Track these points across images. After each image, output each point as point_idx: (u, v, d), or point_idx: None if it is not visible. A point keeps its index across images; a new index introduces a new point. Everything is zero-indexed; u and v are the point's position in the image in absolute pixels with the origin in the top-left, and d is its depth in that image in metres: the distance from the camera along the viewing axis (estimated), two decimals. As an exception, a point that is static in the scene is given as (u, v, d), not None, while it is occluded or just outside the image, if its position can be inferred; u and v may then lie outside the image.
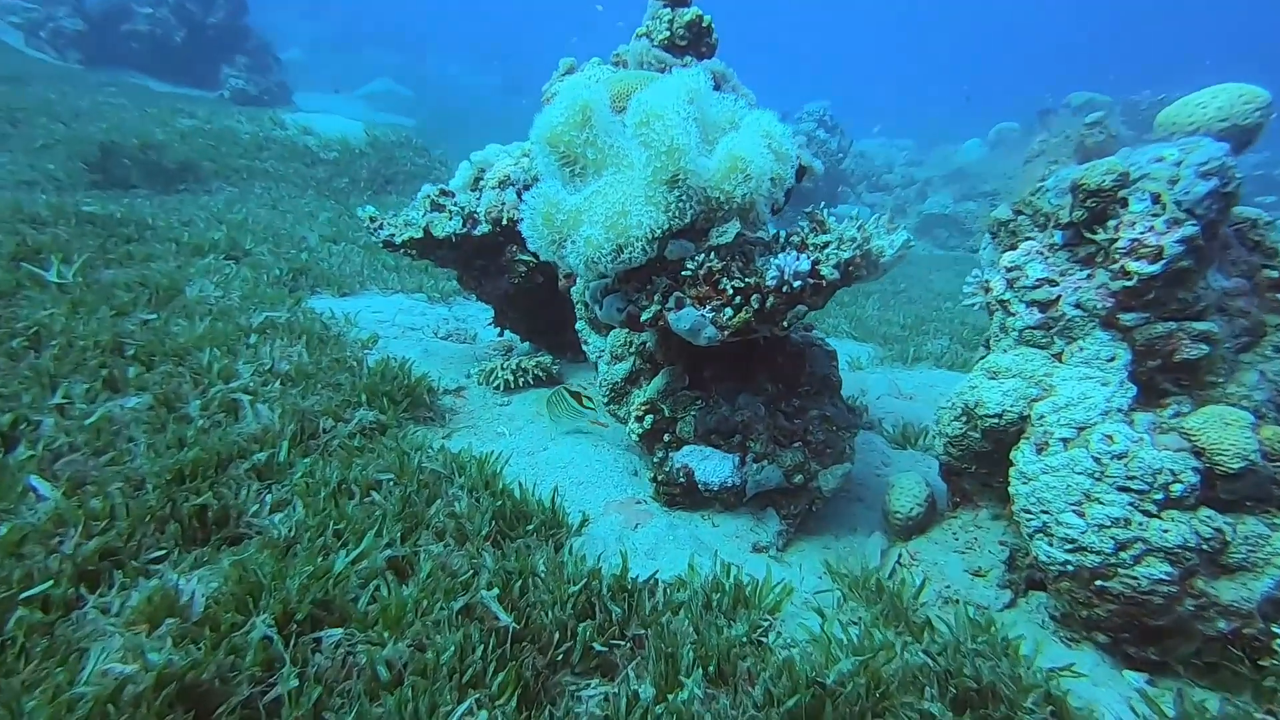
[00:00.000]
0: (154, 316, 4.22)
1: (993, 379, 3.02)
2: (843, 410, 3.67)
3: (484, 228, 4.41)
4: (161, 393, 3.34)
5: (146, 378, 3.49)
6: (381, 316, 6.02)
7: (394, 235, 4.35)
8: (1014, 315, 3.12)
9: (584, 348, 4.27)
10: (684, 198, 2.90)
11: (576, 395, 4.02)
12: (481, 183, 4.62)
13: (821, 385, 3.71)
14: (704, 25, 4.26)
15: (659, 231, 2.94)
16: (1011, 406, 2.88)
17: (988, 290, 3.38)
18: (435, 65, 38.43)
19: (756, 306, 3.01)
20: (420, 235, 4.28)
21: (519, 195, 4.52)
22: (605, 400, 3.94)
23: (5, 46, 14.95)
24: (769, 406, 3.60)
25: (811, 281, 3.02)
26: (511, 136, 4.92)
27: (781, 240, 3.29)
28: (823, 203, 3.45)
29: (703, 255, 3.06)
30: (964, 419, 3.13)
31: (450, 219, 4.32)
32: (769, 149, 3.03)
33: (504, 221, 4.43)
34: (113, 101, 11.69)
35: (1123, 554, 2.43)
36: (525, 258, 4.56)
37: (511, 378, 4.55)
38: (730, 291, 3.02)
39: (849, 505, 3.93)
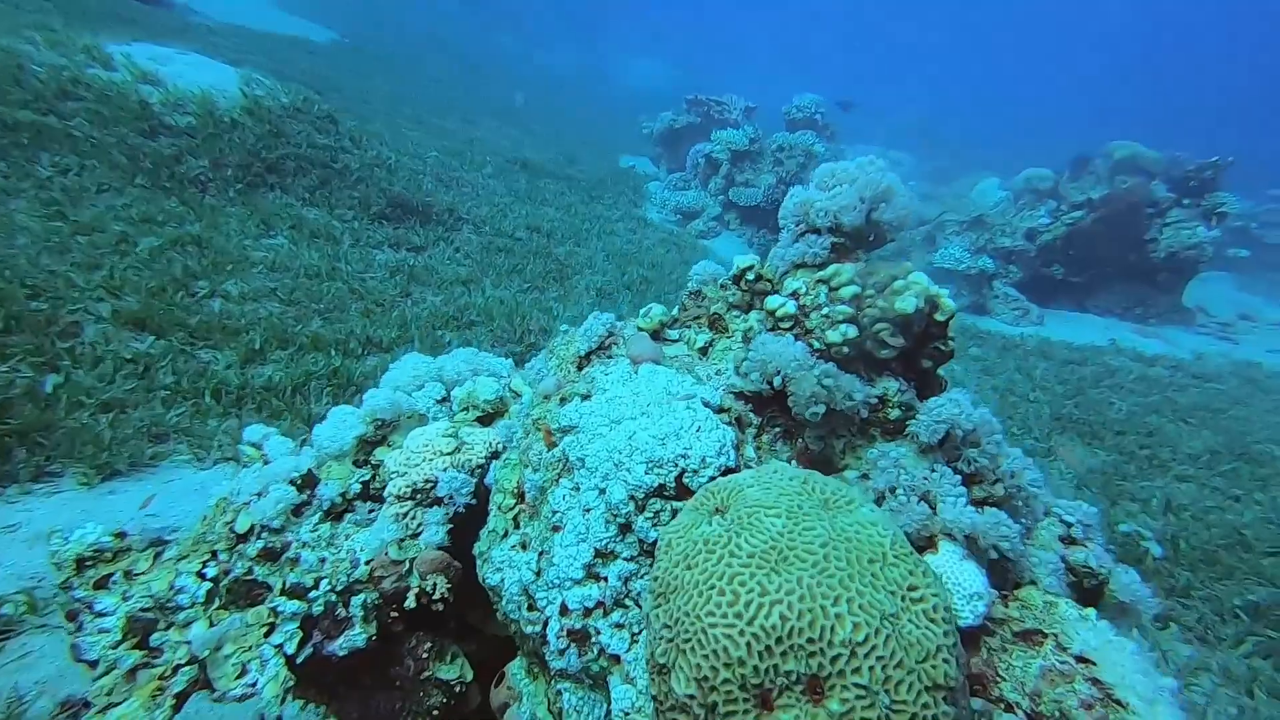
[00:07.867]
0: None
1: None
2: None
3: (360, 634, 1.70)
4: None
5: None
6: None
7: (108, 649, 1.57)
8: None
9: None
10: None
11: None
12: (374, 461, 1.89)
13: None
14: (937, 319, 1.67)
15: None
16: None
17: None
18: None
19: None
20: (185, 683, 1.53)
21: (449, 533, 1.83)
22: None
23: None
24: None
25: None
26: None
27: None
28: None
29: None
30: None
31: (274, 634, 1.58)
32: None
33: (417, 602, 1.75)
34: None
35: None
36: (448, 675, 1.89)
37: None
38: None
39: None
